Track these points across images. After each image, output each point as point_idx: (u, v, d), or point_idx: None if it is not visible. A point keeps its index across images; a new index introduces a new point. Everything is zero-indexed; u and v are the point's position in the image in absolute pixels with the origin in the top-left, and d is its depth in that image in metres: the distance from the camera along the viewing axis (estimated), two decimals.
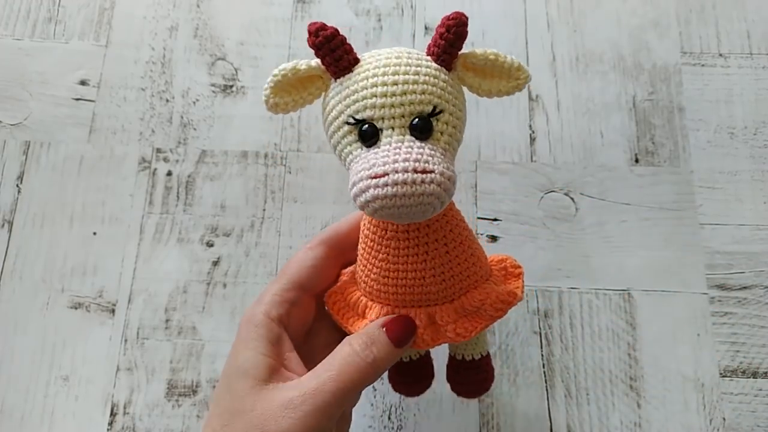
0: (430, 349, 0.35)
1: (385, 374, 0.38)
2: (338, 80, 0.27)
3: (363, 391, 0.41)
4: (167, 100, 0.48)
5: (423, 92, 0.26)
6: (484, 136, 0.47)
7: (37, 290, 0.43)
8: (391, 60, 0.26)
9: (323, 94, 0.28)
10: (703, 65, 0.48)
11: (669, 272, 0.43)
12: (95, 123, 0.47)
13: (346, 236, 0.32)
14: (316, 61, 0.28)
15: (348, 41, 0.27)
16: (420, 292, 0.29)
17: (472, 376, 0.34)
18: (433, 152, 0.25)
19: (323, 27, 0.27)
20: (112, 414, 0.41)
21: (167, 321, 0.43)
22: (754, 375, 0.41)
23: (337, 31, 0.27)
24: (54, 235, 0.45)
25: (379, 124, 0.25)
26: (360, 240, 0.30)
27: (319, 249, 0.32)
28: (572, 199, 0.45)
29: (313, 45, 0.27)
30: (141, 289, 0.43)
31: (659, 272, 0.43)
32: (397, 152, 0.24)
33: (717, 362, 0.41)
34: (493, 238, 0.44)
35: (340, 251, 0.32)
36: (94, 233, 0.45)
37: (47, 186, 0.46)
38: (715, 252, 0.44)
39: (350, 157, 0.26)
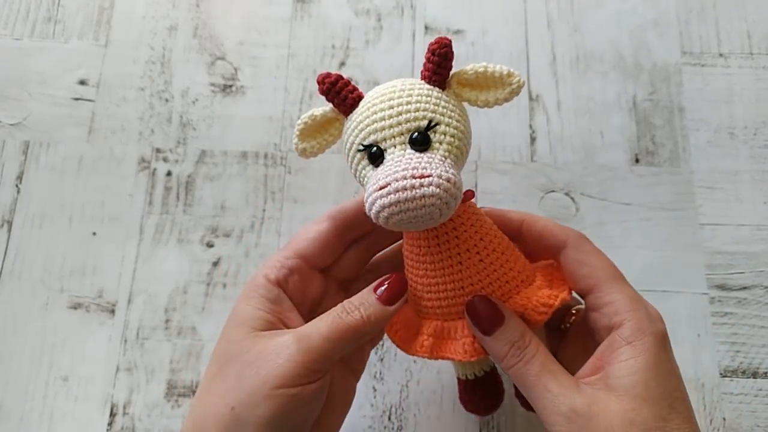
0: (498, 366, 0.36)
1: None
2: (348, 117, 0.30)
3: (363, 392, 0.41)
4: (167, 100, 0.48)
5: (417, 110, 0.28)
6: (484, 136, 0.47)
7: (37, 290, 0.43)
8: (387, 89, 0.29)
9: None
10: (703, 65, 0.48)
11: (669, 272, 0.43)
12: (94, 123, 0.47)
13: (352, 214, 0.33)
14: (328, 106, 0.31)
15: (351, 83, 0.30)
16: (462, 303, 0.30)
17: (487, 390, 0.35)
18: (431, 159, 0.27)
19: (328, 75, 0.30)
20: (112, 414, 0.41)
21: (167, 321, 0.43)
22: (754, 375, 0.41)
23: (339, 76, 0.30)
24: (53, 235, 0.44)
25: (382, 145, 0.28)
26: (404, 263, 0.33)
27: (324, 224, 0.33)
28: (572, 199, 0.45)
29: (322, 92, 0.30)
30: (141, 289, 0.43)
31: (659, 272, 0.43)
32: (398, 164, 0.27)
33: (717, 362, 0.41)
34: None
35: (345, 228, 0.33)
36: (94, 233, 0.45)
37: (46, 186, 0.46)
38: (715, 252, 0.44)
39: (365, 179, 0.29)
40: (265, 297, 0.31)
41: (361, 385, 0.41)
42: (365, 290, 0.31)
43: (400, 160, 0.27)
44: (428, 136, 0.28)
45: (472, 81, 0.30)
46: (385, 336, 0.42)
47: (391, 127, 0.28)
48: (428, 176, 0.26)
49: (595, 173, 0.46)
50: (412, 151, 0.28)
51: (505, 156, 0.46)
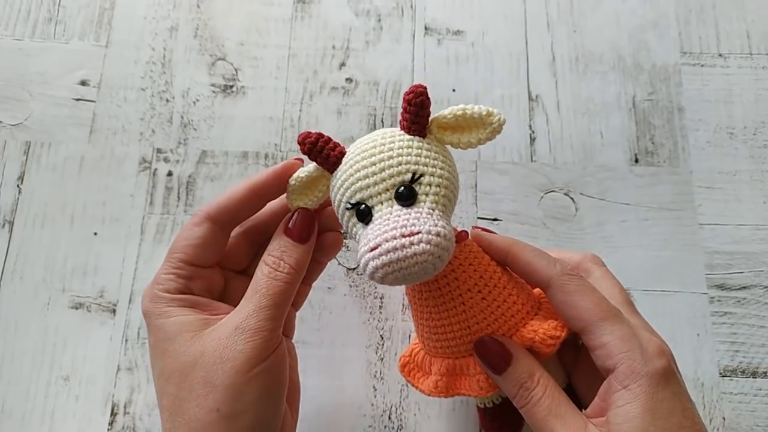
0: None
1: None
2: (333, 174, 0.30)
3: (363, 391, 0.41)
4: (167, 101, 0.48)
5: (399, 164, 0.28)
6: None
7: (38, 290, 0.43)
8: (368, 144, 0.29)
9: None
10: (702, 65, 0.48)
11: (668, 272, 0.43)
12: (95, 123, 0.47)
13: (233, 210, 0.32)
14: (313, 165, 0.31)
15: (332, 140, 0.30)
16: (470, 341, 0.31)
17: (506, 416, 0.35)
18: (418, 215, 0.27)
19: (308, 135, 0.30)
20: (113, 414, 0.41)
21: None
22: (754, 375, 0.41)
23: (320, 135, 0.30)
24: (55, 235, 0.45)
25: (369, 203, 0.28)
26: (410, 306, 0.33)
27: (204, 226, 0.32)
28: (572, 199, 0.45)
29: (303, 152, 0.30)
30: (142, 289, 0.43)
31: (659, 272, 0.43)
32: (386, 223, 0.27)
33: (716, 362, 0.41)
34: None
35: (227, 224, 0.32)
36: (95, 233, 0.45)
37: (48, 186, 0.46)
38: (714, 252, 0.44)
39: (356, 236, 0.29)
40: (182, 306, 0.30)
41: (361, 385, 0.41)
42: (277, 237, 0.31)
43: (388, 219, 0.27)
44: (413, 189, 0.28)
45: (452, 124, 0.30)
46: (385, 336, 0.42)
47: (375, 183, 0.28)
48: (417, 233, 0.26)
49: (595, 173, 0.46)
50: (400, 207, 0.28)
51: (504, 156, 0.46)
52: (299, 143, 0.30)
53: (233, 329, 0.28)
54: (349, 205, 0.29)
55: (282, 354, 0.30)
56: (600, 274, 0.33)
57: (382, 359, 0.42)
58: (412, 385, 0.35)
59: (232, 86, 0.48)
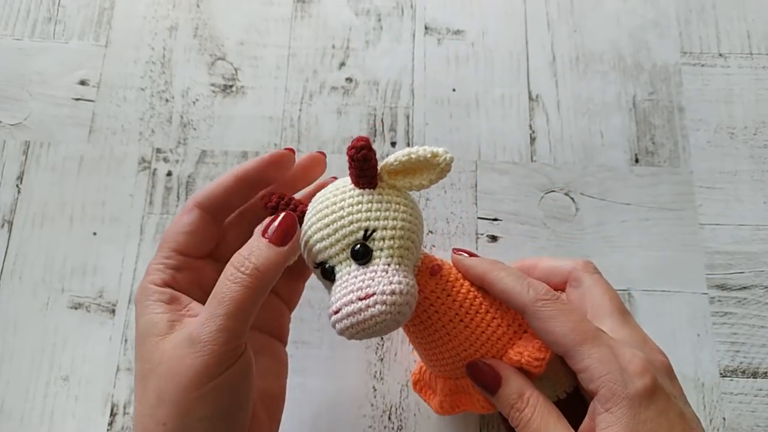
0: None
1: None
2: (300, 231, 0.31)
3: (363, 392, 0.41)
4: (167, 100, 0.48)
5: (350, 223, 0.29)
6: (484, 136, 0.47)
7: (37, 290, 0.43)
8: (321, 204, 0.30)
9: None
10: (703, 65, 0.48)
11: (669, 272, 0.43)
12: (95, 123, 0.47)
13: (222, 198, 0.32)
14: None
15: (293, 200, 0.31)
16: (463, 365, 0.31)
17: None
18: (373, 274, 0.27)
19: (270, 199, 0.31)
20: (112, 414, 0.41)
21: None
22: (754, 375, 0.41)
23: (281, 197, 0.31)
24: (54, 235, 0.45)
25: (330, 263, 0.29)
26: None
27: (193, 213, 0.32)
28: (572, 199, 0.45)
29: (269, 215, 0.31)
30: None
31: (659, 272, 0.43)
32: (345, 286, 0.28)
33: (717, 362, 0.41)
34: (493, 238, 0.44)
35: (217, 212, 0.32)
36: (94, 233, 0.45)
37: (47, 186, 0.46)
38: (715, 252, 0.44)
39: (328, 291, 0.30)
40: (158, 301, 0.30)
41: (360, 385, 0.41)
42: (253, 238, 0.29)
43: (345, 282, 0.28)
44: (368, 246, 0.28)
45: (400, 170, 0.30)
46: (385, 336, 0.42)
47: (332, 245, 0.29)
48: (372, 295, 0.26)
49: (595, 173, 0.46)
50: (357, 267, 0.28)
51: (504, 156, 0.46)
52: (262, 207, 0.31)
53: (187, 338, 0.27)
54: (315, 264, 0.30)
55: (242, 370, 0.28)
56: (591, 283, 0.33)
57: (381, 359, 0.42)
58: (425, 402, 0.36)
59: (231, 86, 0.48)
